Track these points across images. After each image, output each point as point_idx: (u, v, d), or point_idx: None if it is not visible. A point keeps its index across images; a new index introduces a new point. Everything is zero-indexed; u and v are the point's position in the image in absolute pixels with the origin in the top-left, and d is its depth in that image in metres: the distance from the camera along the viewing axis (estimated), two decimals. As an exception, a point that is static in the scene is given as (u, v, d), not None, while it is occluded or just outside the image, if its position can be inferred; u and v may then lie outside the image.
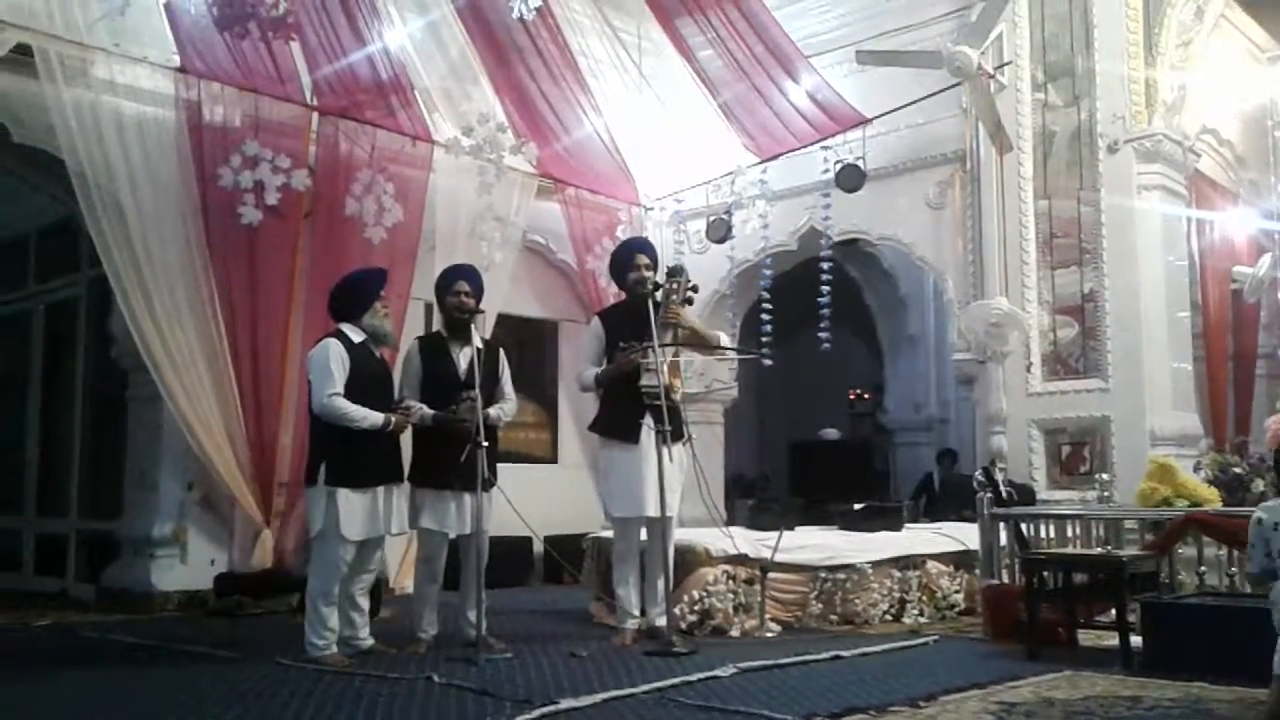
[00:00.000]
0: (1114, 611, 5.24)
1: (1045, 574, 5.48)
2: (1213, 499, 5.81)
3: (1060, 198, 8.25)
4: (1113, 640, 5.23)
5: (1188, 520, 5.47)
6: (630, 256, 5.94)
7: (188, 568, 7.40)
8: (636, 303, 5.77)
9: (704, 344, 6.04)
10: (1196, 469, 6.58)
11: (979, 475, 6.17)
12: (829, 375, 11.97)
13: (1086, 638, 5.57)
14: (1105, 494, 6.64)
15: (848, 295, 10.90)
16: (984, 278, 8.42)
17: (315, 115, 7.70)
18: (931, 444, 11.70)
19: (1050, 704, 4.15)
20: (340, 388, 5.15)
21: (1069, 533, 6.20)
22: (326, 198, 7.68)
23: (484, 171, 8.47)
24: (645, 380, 5.59)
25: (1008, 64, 8.27)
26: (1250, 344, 9.25)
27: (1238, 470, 6.04)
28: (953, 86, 8.13)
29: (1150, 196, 7.98)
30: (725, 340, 6.15)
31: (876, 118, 8.51)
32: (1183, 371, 8.06)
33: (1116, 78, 8.02)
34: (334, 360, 5.18)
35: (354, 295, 5.43)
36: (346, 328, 5.35)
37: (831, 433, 11.06)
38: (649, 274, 5.83)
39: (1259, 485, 5.91)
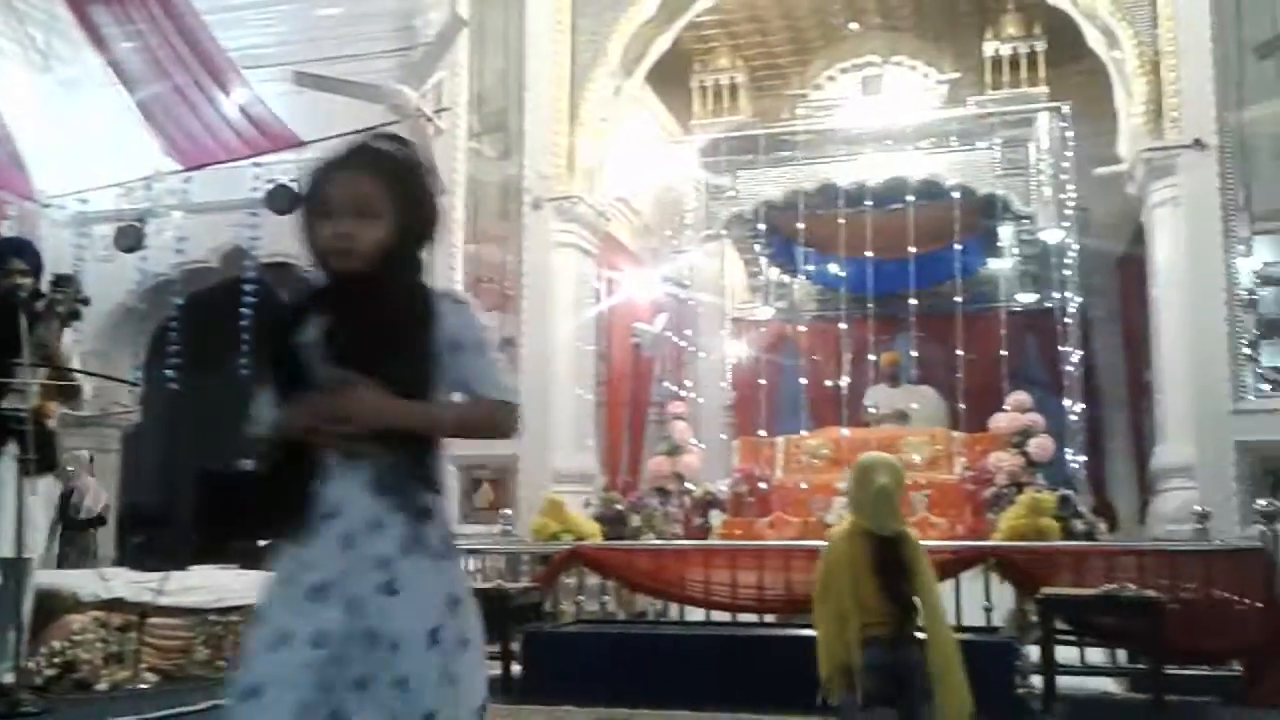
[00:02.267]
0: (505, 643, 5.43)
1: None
2: (595, 533, 6.28)
3: (488, 244, 8.60)
4: (498, 670, 5.41)
5: (572, 554, 5.86)
6: (2, 259, 5.14)
7: None
8: (8, 312, 4.99)
9: (62, 376, 5.26)
10: (587, 505, 7.10)
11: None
12: (251, 403, 11.37)
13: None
14: (508, 529, 6.91)
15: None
16: (411, 314, 8.50)
17: None
18: (355, 478, 11.53)
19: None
20: None
21: (472, 566, 6.36)
22: None
23: None
24: (7, 402, 4.83)
25: (445, 110, 8.49)
26: (645, 393, 10.28)
27: (620, 507, 6.60)
28: (391, 124, 8.16)
29: (566, 253, 8.61)
30: (84, 385, 5.39)
31: (312, 142, 8.25)
32: (586, 415, 8.72)
33: (543, 139, 8.57)
34: None
35: None
36: None
37: (248, 464, 10.47)
38: (23, 280, 5.07)
39: (635, 520, 6.51)
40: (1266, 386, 7.01)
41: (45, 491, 5.05)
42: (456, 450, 7.19)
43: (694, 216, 9.61)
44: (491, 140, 8.73)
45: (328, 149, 1.90)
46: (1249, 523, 5.99)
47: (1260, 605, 4.86)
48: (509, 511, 7.11)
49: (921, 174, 8.84)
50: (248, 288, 8.25)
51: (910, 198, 8.80)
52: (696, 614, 5.71)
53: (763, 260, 10.50)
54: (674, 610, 5.96)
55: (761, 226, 9.67)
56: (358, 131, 6.54)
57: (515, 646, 5.34)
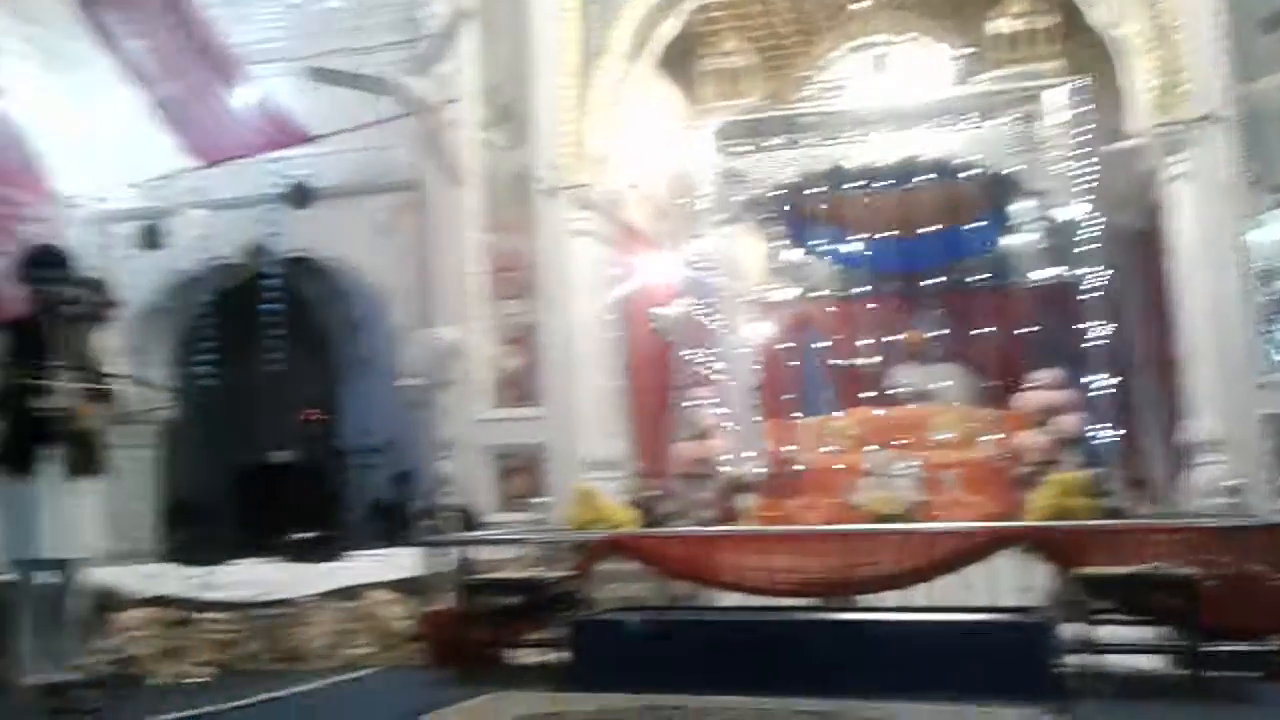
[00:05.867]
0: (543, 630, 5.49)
1: (482, 597, 5.60)
2: (629, 521, 6.32)
3: (506, 233, 8.62)
4: (544, 657, 5.47)
5: (606, 542, 5.90)
6: (34, 266, 5.27)
7: None
8: (43, 317, 5.06)
9: (96, 379, 5.30)
10: (618, 493, 7.14)
11: (424, 502, 6.20)
12: (282, 395, 11.43)
13: (522, 656, 5.76)
14: (542, 517, 6.95)
15: (302, 313, 10.47)
16: (433, 305, 8.55)
17: None
18: (386, 466, 11.59)
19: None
20: None
21: (508, 555, 6.42)
22: None
23: None
24: (43, 403, 4.89)
25: (454, 101, 8.48)
26: (668, 378, 10.29)
27: (651, 494, 6.64)
28: (404, 116, 8.18)
29: (582, 241, 8.62)
30: (119, 388, 5.47)
31: (326, 136, 8.31)
32: (611, 401, 8.76)
33: (554, 127, 8.56)
34: None
35: None
36: None
37: (282, 455, 10.56)
38: (53, 286, 5.13)
39: (667, 506, 6.55)
40: (1285, 358, 7.03)
41: (91, 492, 5.10)
42: (486, 439, 7.31)
43: (709, 200, 9.62)
44: (503, 130, 8.74)
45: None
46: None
47: (1294, 581, 4.90)
48: (542, 500, 7.14)
49: (934, 152, 8.83)
50: (271, 283, 8.30)
51: (924, 176, 8.80)
52: (734, 599, 5.76)
53: (781, 242, 10.51)
54: (712, 596, 6.00)
55: (778, 209, 9.68)
56: (369, 125, 6.63)
57: (554, 634, 5.40)
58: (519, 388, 8.38)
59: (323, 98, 8.37)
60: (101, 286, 5.35)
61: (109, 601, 5.47)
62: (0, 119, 8.09)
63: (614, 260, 9.09)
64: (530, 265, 8.52)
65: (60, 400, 4.90)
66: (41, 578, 5.01)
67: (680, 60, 10.21)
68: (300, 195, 8.43)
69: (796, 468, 7.37)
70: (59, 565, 4.96)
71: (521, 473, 8.17)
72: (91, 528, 5.11)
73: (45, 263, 5.25)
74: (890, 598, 5.52)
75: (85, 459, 5.01)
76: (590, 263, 8.68)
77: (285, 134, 8.33)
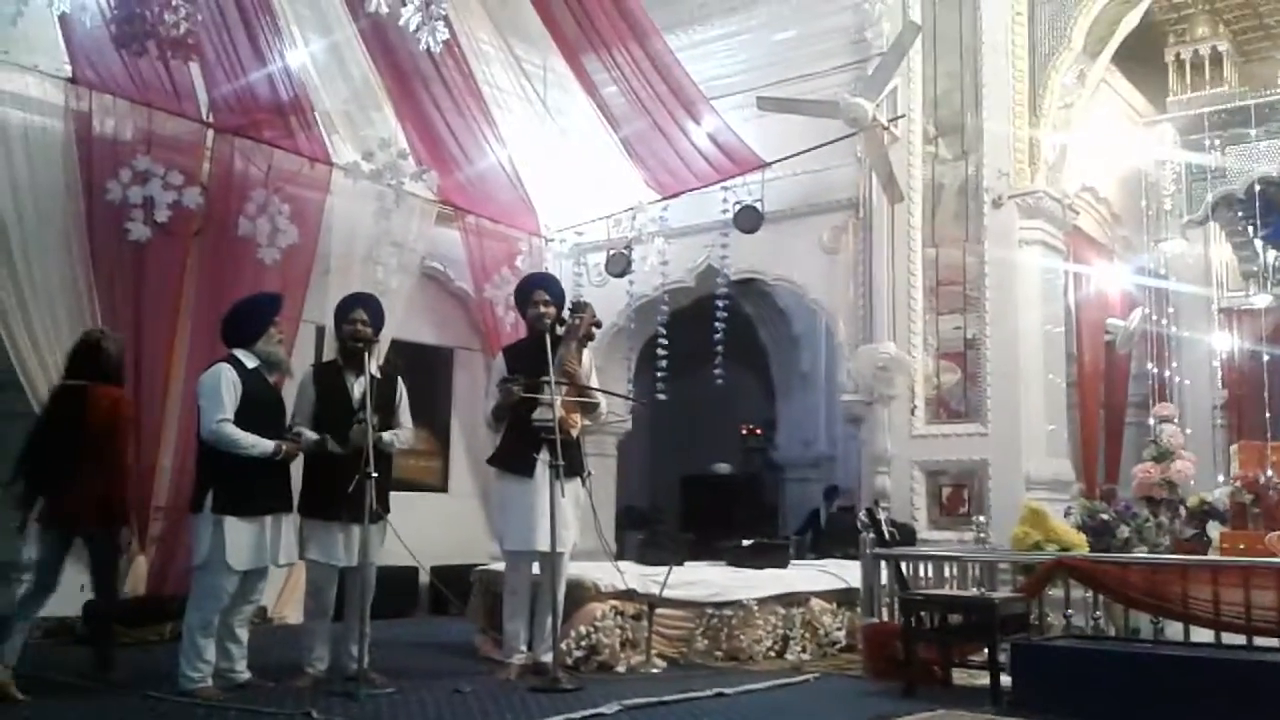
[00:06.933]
0: (986, 651, 5.41)
1: (922, 613, 5.64)
2: (1080, 544, 6.03)
3: (947, 247, 8.56)
4: (985, 679, 5.39)
5: (1057, 564, 5.69)
6: (530, 292, 5.98)
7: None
8: (537, 338, 5.78)
9: (582, 392, 5.89)
10: (1067, 514, 6.84)
11: (862, 515, 6.33)
12: (723, 410, 12.09)
13: (960, 676, 5.72)
14: (982, 535, 6.84)
15: (743, 332, 11.06)
16: (873, 321, 8.68)
17: (210, 132, 7.57)
18: (820, 480, 11.90)
19: (922, 742, 4.28)
20: (230, 414, 5.08)
21: (946, 573, 6.39)
22: (219, 217, 7.54)
23: (383, 197, 8.43)
24: (538, 414, 5.60)
25: (901, 117, 8.56)
26: (1121, 394, 9.67)
27: (1105, 517, 6.28)
28: (848, 136, 8.37)
29: (1031, 250, 8.34)
30: (601, 400, 6.04)
31: (775, 162, 8.71)
32: (1057, 418, 8.41)
33: (1002, 136, 8.38)
34: (225, 386, 5.10)
35: (248, 320, 5.37)
36: (239, 353, 5.28)
37: (723, 467, 11.18)
38: (547, 310, 5.85)
39: (1124, 531, 6.17)
40: None
41: (573, 494, 5.77)
42: (923, 455, 7.33)
43: (1173, 201, 8.92)
44: (948, 142, 8.69)
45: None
46: None
47: None
48: (981, 518, 7.03)
49: None
50: (720, 303, 8.83)
51: None
52: (1202, 634, 5.33)
53: (1258, 243, 9.49)
54: (1173, 629, 5.59)
55: (1254, 206, 8.77)
56: (817, 147, 6.86)
57: (1001, 657, 5.30)
58: (958, 403, 8.29)
59: (772, 124, 8.78)
60: (587, 309, 6.02)
61: (580, 593, 6.08)
62: (502, 166, 9.35)
63: (1062, 270, 8.70)
64: (973, 278, 8.39)
65: (554, 412, 5.52)
66: (533, 568, 5.77)
67: (1140, 52, 9.57)
68: (749, 219, 8.87)
69: (1275, 494, 6.61)
70: (548, 557, 5.58)
71: (959, 489, 8.08)
72: (572, 525, 5.77)
73: (542, 289, 5.94)
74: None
75: (571, 464, 5.61)
76: (1038, 273, 8.39)
77: (736, 162, 8.87)
